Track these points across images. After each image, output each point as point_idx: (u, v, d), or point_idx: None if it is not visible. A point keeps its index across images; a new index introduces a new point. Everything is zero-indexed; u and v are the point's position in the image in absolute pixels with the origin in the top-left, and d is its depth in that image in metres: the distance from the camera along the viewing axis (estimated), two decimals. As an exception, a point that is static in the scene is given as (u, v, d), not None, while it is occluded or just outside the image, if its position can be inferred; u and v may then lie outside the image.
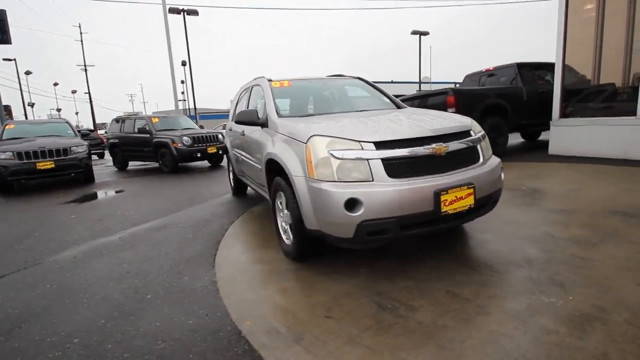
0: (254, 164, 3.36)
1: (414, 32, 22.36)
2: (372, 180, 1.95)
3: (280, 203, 2.63)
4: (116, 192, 6.09)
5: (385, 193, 1.90)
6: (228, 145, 4.77)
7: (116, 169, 9.73)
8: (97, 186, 6.94)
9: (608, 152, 5.16)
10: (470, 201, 2.07)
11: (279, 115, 2.84)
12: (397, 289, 2.01)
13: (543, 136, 8.06)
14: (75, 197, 5.70)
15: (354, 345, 1.56)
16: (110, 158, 10.40)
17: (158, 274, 2.47)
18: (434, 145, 2.08)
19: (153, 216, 4.14)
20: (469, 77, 8.16)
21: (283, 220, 2.63)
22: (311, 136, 2.13)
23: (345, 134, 2.08)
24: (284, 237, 2.66)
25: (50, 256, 3.01)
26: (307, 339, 1.63)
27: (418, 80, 23.09)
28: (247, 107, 3.89)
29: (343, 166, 1.98)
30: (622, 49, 6.12)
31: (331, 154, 2.01)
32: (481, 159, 2.28)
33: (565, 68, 6.16)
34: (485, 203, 2.21)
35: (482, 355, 1.43)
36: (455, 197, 2.01)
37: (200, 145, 8.18)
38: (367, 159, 1.97)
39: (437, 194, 1.95)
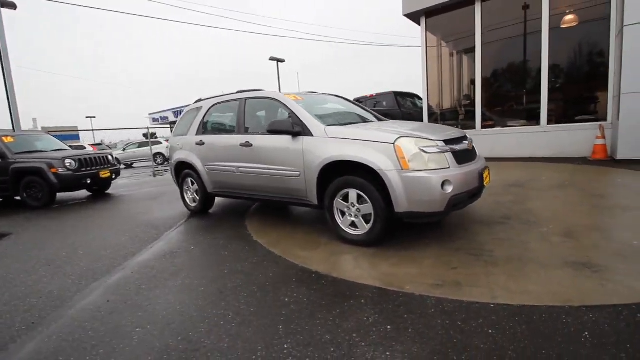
0: (276, 172, 3.44)
1: (272, 59, 24.13)
2: (449, 167, 2.69)
3: (345, 199, 2.97)
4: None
5: (461, 175, 2.69)
6: (195, 162, 4.40)
7: None
8: None
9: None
10: (488, 179, 3.11)
11: (327, 125, 3.17)
12: (465, 245, 2.80)
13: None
14: None
15: (495, 276, 2.24)
16: None
17: (263, 288, 2.38)
18: (466, 142, 3.02)
19: (132, 249, 3.43)
20: (356, 100, 9.96)
21: (349, 214, 2.98)
22: (399, 137, 2.69)
23: (423, 135, 2.75)
24: (348, 230, 3.01)
25: (61, 310, 2.24)
26: (464, 282, 2.20)
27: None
28: (243, 121, 3.87)
29: (431, 158, 2.65)
30: (449, 86, 9.10)
31: (421, 149, 2.64)
32: (478, 153, 3.38)
33: (424, 98, 8.64)
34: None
35: (557, 260, 2.39)
36: (486, 175, 3.00)
37: (89, 169, 6.63)
38: (444, 152, 2.71)
39: (481, 174, 2.89)
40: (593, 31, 6.35)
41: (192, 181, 4.67)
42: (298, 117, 3.33)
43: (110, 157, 7.32)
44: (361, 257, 2.76)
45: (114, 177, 7.27)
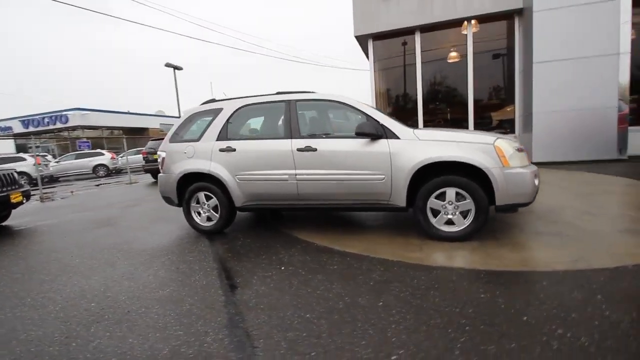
0: (353, 177, 3.29)
1: (168, 65, 21.70)
2: (528, 164, 3.17)
3: (440, 197, 3.10)
4: None
5: (537, 170, 3.19)
6: (219, 171, 3.73)
7: None
8: None
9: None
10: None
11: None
12: (538, 229, 3.31)
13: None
14: None
15: (595, 248, 2.76)
16: None
17: (441, 290, 2.27)
18: (517, 145, 3.59)
19: (197, 280, 2.67)
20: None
21: (444, 212, 3.12)
22: (497, 139, 3.01)
23: (510, 138, 3.15)
24: (443, 227, 3.14)
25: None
26: (584, 255, 2.62)
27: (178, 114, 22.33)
28: (297, 124, 3.54)
29: (521, 156, 3.06)
30: (386, 102, 10.22)
31: (516, 149, 3.03)
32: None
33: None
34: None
35: (610, 229, 3.10)
36: (533, 171, 3.63)
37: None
38: (523, 152, 3.17)
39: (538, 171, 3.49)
40: (501, 67, 8.32)
41: (206, 195, 3.92)
42: (376, 120, 3.30)
43: (16, 175, 5.34)
44: (475, 249, 2.92)
45: (24, 201, 5.32)
